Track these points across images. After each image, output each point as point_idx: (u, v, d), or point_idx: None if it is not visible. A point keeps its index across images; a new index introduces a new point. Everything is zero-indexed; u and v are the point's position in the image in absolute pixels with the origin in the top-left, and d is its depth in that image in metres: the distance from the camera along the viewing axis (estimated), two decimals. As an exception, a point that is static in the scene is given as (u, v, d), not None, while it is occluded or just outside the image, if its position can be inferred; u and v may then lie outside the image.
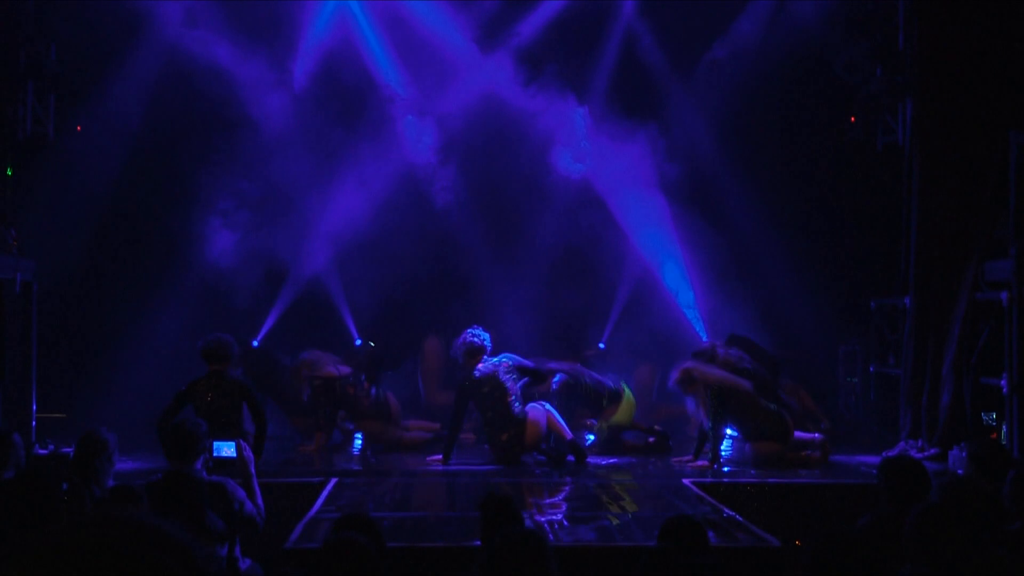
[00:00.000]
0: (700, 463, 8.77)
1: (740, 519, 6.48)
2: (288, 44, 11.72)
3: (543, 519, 6.55)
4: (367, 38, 11.99)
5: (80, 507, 4.80)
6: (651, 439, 10.00)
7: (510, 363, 9.14)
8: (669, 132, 11.41)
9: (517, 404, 8.98)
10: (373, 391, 9.97)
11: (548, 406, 9.19)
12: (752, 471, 8.47)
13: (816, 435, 9.21)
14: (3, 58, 10.19)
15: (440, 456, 8.94)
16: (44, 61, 10.48)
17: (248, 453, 5.63)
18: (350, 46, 11.87)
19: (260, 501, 5.44)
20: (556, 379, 9.92)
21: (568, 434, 9.08)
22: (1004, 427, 8.35)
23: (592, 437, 10.06)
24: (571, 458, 8.96)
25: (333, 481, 7.78)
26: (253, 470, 5.57)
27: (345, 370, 9.93)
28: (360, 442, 10.45)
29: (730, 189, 11.48)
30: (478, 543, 4.71)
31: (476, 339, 9.19)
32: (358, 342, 11.88)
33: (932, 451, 8.86)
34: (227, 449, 6.18)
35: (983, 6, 9.07)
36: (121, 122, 11.40)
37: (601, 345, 12.07)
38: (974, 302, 8.84)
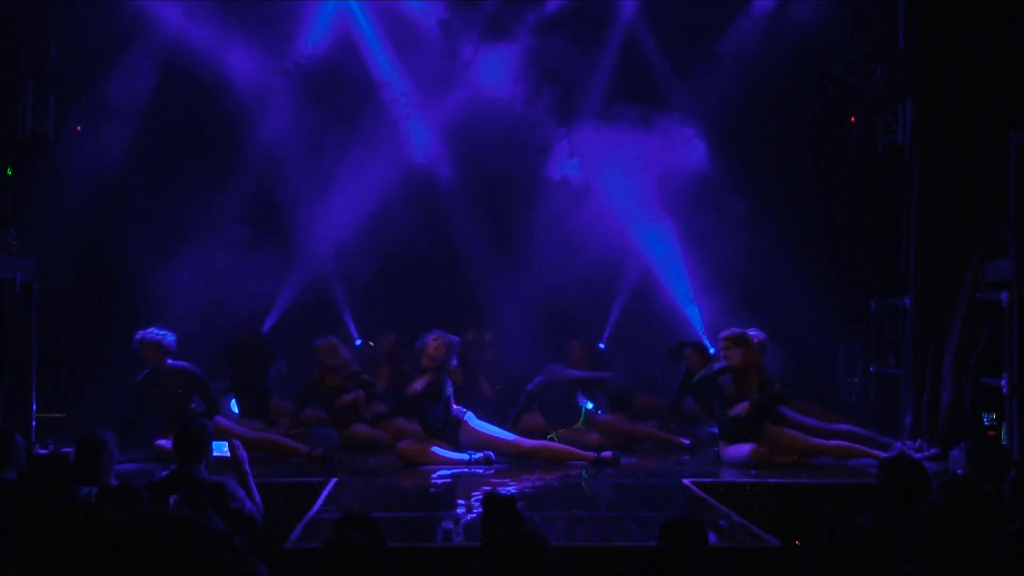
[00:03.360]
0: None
1: (740, 519, 6.48)
2: (288, 44, 11.72)
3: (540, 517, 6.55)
4: (366, 37, 12.00)
5: (110, 509, 4.74)
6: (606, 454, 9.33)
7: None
8: (668, 132, 11.41)
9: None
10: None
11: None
12: (752, 471, 8.47)
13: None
14: (3, 58, 10.19)
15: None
16: (44, 61, 10.47)
17: (241, 452, 5.63)
18: (350, 45, 11.88)
19: (258, 498, 5.43)
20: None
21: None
22: (1004, 427, 8.35)
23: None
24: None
25: (333, 481, 7.79)
26: (248, 468, 5.57)
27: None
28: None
29: (730, 189, 11.47)
30: (478, 543, 4.71)
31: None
32: (358, 342, 11.90)
33: (932, 451, 8.85)
34: (220, 450, 6.17)
35: (983, 6, 9.07)
36: (121, 122, 11.40)
37: (601, 345, 12.07)
38: (974, 302, 8.84)
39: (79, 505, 4.75)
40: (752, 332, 9.28)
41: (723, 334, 9.06)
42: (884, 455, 8.75)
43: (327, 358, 9.98)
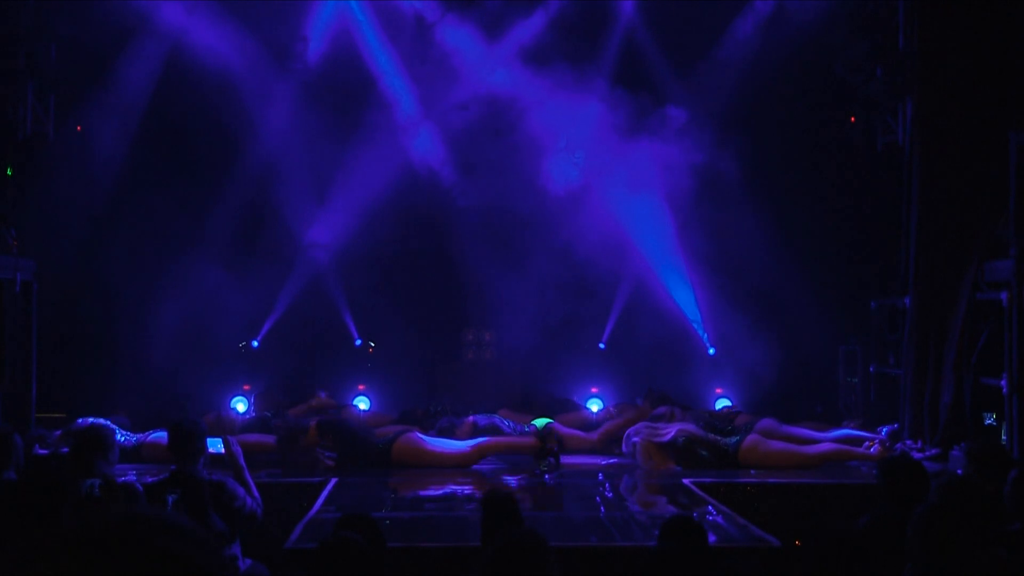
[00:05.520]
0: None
1: (740, 519, 6.48)
2: (289, 44, 11.72)
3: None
4: (367, 38, 11.99)
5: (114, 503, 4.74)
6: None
7: None
8: (667, 131, 11.41)
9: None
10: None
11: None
12: (752, 471, 8.46)
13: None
14: (3, 58, 10.19)
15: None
16: (44, 61, 10.47)
17: (236, 448, 5.64)
18: (351, 46, 11.88)
19: (256, 492, 5.43)
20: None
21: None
22: (1004, 427, 8.35)
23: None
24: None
25: (333, 481, 7.79)
26: (243, 463, 5.57)
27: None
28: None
29: (730, 189, 11.47)
30: (478, 543, 4.71)
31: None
32: (358, 342, 11.91)
33: (932, 451, 8.85)
34: (215, 447, 6.18)
35: (983, 6, 9.07)
36: (121, 121, 11.40)
37: (601, 345, 12.07)
38: (974, 302, 8.83)
39: (82, 499, 4.74)
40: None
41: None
42: (874, 437, 8.98)
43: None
